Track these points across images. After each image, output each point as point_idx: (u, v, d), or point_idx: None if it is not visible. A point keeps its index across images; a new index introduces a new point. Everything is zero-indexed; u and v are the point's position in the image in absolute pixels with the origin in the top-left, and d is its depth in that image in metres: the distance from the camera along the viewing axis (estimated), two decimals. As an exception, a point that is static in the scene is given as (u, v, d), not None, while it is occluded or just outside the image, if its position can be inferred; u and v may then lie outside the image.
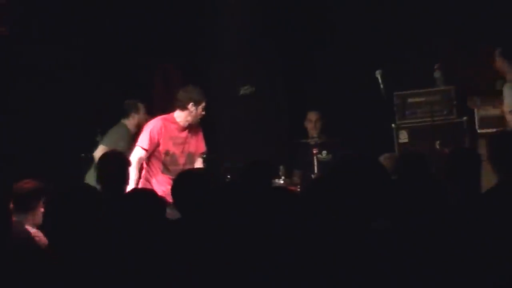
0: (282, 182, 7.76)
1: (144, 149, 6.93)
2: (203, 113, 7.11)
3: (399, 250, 3.63)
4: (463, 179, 4.80)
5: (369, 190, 3.94)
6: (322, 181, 5.06)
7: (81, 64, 8.31)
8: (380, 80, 7.48)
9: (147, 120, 7.76)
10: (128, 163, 5.86)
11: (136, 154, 6.91)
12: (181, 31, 9.07)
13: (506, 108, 6.99)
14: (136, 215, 4.04)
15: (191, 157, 7.22)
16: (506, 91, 7.00)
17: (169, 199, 6.69)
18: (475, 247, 3.78)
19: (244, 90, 8.98)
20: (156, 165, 7.04)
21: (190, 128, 7.17)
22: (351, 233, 3.69)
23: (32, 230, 5.25)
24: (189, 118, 7.08)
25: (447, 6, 8.57)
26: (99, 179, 5.66)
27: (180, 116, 7.10)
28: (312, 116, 8.56)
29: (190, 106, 7.02)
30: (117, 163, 5.71)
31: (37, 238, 5.26)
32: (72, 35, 8.25)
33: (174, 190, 4.89)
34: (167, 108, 7.64)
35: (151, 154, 7.02)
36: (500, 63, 7.09)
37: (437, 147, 7.44)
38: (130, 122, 8.08)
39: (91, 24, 8.47)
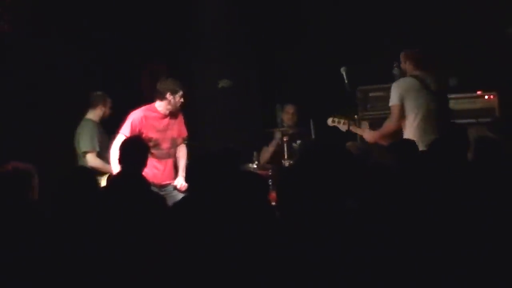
0: (255, 166, 8.06)
1: (126, 136, 7.02)
2: (182, 100, 7.34)
3: (367, 229, 3.72)
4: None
5: (335, 173, 4.14)
6: (293, 166, 5.29)
7: (75, 60, 8.35)
8: (344, 76, 7.61)
9: (110, 114, 7.98)
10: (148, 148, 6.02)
11: (119, 141, 6.92)
12: (166, 32, 9.18)
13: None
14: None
15: (174, 142, 7.44)
16: (392, 88, 7.16)
17: (157, 181, 7.07)
18: (440, 225, 3.91)
19: (223, 83, 9.19)
20: None
21: (171, 115, 7.40)
22: (321, 214, 3.76)
23: None
24: (169, 107, 7.34)
25: (405, 10, 8.93)
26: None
27: (160, 106, 7.34)
28: (290, 108, 8.79)
29: (168, 95, 7.29)
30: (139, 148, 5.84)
31: None
32: (68, 34, 8.34)
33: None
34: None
35: None
36: (402, 66, 7.24)
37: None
38: (96, 114, 7.98)
39: (84, 24, 8.55)
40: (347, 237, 3.65)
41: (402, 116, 7.00)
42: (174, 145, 7.49)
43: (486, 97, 8.54)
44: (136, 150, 5.73)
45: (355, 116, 8.36)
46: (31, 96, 8.10)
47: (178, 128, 7.53)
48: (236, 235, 3.79)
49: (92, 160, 7.69)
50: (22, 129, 7.90)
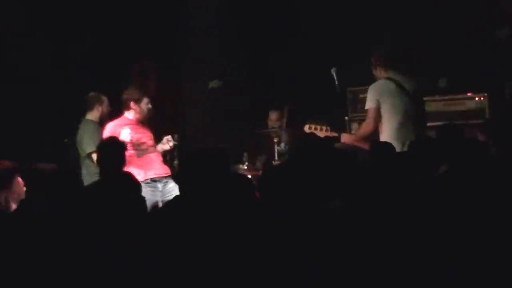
0: (245, 167, 8.05)
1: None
2: (149, 106, 7.33)
3: (353, 228, 3.74)
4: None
5: (322, 172, 4.18)
6: (281, 166, 5.29)
7: (66, 59, 8.41)
8: (335, 77, 7.57)
9: (109, 112, 7.91)
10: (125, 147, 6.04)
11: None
12: (156, 31, 9.19)
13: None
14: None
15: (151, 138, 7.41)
16: (368, 91, 7.12)
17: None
18: (427, 226, 3.89)
19: (213, 84, 9.18)
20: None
21: (142, 123, 7.36)
22: (307, 213, 3.79)
23: (14, 206, 5.27)
24: (137, 115, 7.30)
25: (396, 11, 8.95)
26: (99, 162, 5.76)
27: (130, 114, 7.31)
28: (273, 116, 8.90)
29: (132, 105, 7.27)
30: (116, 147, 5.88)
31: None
32: (58, 34, 8.36)
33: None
34: None
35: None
36: (373, 70, 7.17)
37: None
38: (94, 115, 7.93)
39: (74, 24, 8.58)
40: (333, 237, 3.67)
41: (378, 119, 6.95)
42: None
43: (477, 98, 8.56)
44: (114, 150, 5.74)
45: (346, 118, 8.37)
46: (24, 96, 8.12)
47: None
48: (226, 235, 3.78)
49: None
50: (16, 129, 7.93)
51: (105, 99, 8.01)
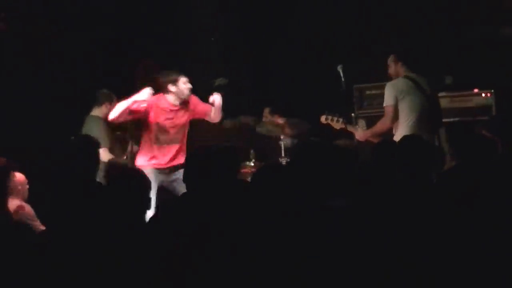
0: (252, 164, 8.10)
1: (137, 101, 7.06)
2: (188, 86, 7.18)
3: (354, 226, 3.72)
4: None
5: (324, 171, 4.15)
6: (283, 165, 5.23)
7: (70, 57, 8.35)
8: (341, 74, 7.57)
9: None
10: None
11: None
12: (160, 29, 9.19)
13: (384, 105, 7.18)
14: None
15: (182, 128, 7.30)
16: (386, 88, 7.18)
17: (159, 166, 7.05)
18: (429, 226, 3.87)
19: (219, 82, 8.92)
20: (147, 137, 7.18)
21: (183, 104, 7.23)
22: (309, 212, 3.79)
23: (19, 204, 5.49)
24: (177, 97, 7.18)
25: (402, 8, 8.90)
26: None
27: (169, 98, 7.17)
28: (266, 112, 8.88)
29: (170, 86, 7.13)
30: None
31: (25, 214, 5.51)
32: (62, 33, 8.34)
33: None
34: None
35: (144, 126, 7.17)
36: (391, 69, 7.26)
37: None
38: (102, 111, 7.94)
39: (79, 23, 8.57)
40: (335, 236, 3.66)
41: (396, 116, 6.99)
42: (181, 131, 7.33)
43: (483, 95, 8.52)
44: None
45: (352, 114, 8.35)
46: (27, 95, 8.08)
47: (192, 113, 7.37)
48: (231, 234, 3.78)
49: (105, 155, 7.61)
50: (19, 128, 7.90)
51: (115, 98, 7.99)
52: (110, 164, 7.32)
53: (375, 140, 6.87)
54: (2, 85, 7.87)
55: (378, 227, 3.75)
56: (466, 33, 8.76)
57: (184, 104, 7.26)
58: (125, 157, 7.76)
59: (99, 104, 8.00)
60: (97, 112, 8.00)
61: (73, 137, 7.96)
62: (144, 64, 9.15)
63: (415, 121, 6.92)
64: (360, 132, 7.32)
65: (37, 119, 8.10)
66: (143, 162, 7.13)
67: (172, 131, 7.21)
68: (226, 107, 9.21)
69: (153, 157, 7.16)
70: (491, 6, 8.70)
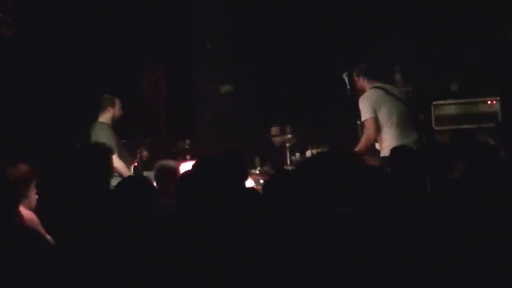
0: (257, 172, 8.01)
1: None
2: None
3: (362, 232, 3.70)
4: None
5: (330, 178, 4.17)
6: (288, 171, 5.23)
7: (77, 64, 8.35)
8: (346, 81, 7.57)
9: (121, 116, 7.91)
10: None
11: None
12: (167, 35, 9.19)
13: (362, 119, 7.19)
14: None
15: None
16: (359, 105, 7.19)
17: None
18: (439, 233, 3.86)
19: (225, 89, 9.12)
20: None
21: None
22: (315, 218, 3.79)
23: (25, 212, 5.29)
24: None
25: (406, 14, 8.88)
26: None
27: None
28: (274, 130, 8.67)
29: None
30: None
31: (29, 222, 5.26)
32: (70, 38, 8.28)
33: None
34: (154, 103, 7.90)
35: None
36: (360, 82, 7.28)
37: None
38: (106, 117, 7.92)
39: (87, 28, 8.54)
40: (341, 242, 3.65)
41: (378, 127, 7.01)
42: None
43: (489, 102, 8.48)
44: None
45: (358, 122, 8.28)
46: (32, 100, 8.04)
47: None
48: (241, 241, 3.81)
49: (117, 162, 7.54)
50: (23, 132, 7.85)
51: (117, 101, 8.00)
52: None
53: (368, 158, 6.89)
54: (9, 90, 7.85)
55: (385, 234, 3.74)
56: (472, 40, 8.70)
57: None
58: (136, 164, 7.74)
59: (103, 110, 7.96)
60: (103, 118, 7.96)
61: (79, 145, 8.11)
62: (151, 69, 9.25)
63: (397, 126, 6.95)
64: None
65: (42, 125, 8.08)
66: None
67: None
68: (232, 115, 9.32)
69: None
70: (498, 12, 8.66)
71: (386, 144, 6.84)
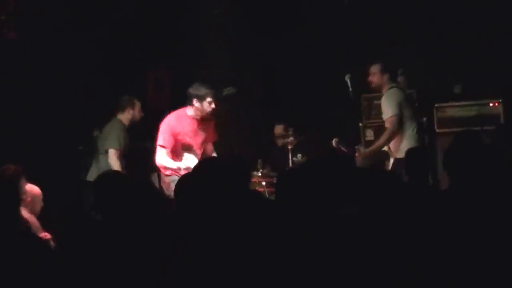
0: (259, 174, 7.96)
1: (165, 146, 7.15)
2: (212, 106, 7.19)
3: (367, 235, 3.68)
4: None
5: (337, 178, 4.15)
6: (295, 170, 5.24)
7: (81, 67, 8.36)
8: (349, 84, 7.59)
9: (141, 117, 7.96)
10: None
11: (161, 154, 7.15)
12: (170, 38, 9.20)
13: (385, 116, 7.23)
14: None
15: (204, 146, 7.41)
16: (384, 101, 7.25)
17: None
18: (439, 234, 3.80)
19: (227, 91, 9.12)
20: (174, 156, 7.19)
21: (203, 120, 7.30)
22: (322, 219, 3.75)
23: (26, 215, 5.37)
24: (198, 112, 7.21)
25: (409, 17, 8.89)
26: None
27: (190, 111, 7.22)
28: (278, 129, 8.77)
29: (195, 102, 7.15)
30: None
31: (29, 224, 5.34)
32: (73, 41, 8.30)
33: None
34: (158, 106, 7.84)
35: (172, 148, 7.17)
36: (377, 77, 7.33)
37: (333, 144, 7.41)
38: (125, 117, 7.95)
39: (90, 31, 8.54)
40: (347, 242, 3.63)
41: (401, 125, 7.03)
42: (204, 149, 7.45)
43: (491, 104, 8.46)
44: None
45: (360, 124, 8.32)
46: (35, 102, 8.07)
47: (207, 133, 7.43)
48: (245, 243, 3.77)
49: (113, 157, 7.69)
50: (26, 133, 7.87)
51: (138, 103, 8.05)
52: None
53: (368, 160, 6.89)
54: (12, 92, 7.89)
55: (392, 236, 3.71)
56: (475, 42, 8.68)
57: (204, 120, 7.32)
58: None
59: (122, 110, 8.00)
60: (120, 116, 8.00)
61: (81, 147, 8.11)
62: (155, 72, 9.30)
63: (418, 128, 7.05)
64: (363, 151, 7.28)
65: (44, 127, 8.08)
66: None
67: (197, 150, 7.29)
68: (235, 117, 9.29)
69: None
70: (501, 14, 8.67)
71: (405, 146, 6.81)
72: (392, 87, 7.24)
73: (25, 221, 5.24)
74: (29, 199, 5.63)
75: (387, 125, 7.16)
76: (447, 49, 8.77)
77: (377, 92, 8.14)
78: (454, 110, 8.39)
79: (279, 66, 9.60)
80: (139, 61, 8.97)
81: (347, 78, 7.65)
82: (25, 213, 5.39)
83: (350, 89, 7.61)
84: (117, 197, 4.11)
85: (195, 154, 7.28)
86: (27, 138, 7.82)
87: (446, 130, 8.25)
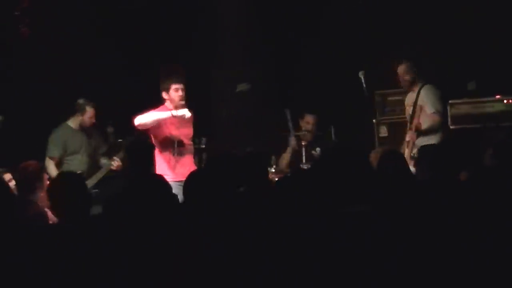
0: (273, 170, 7.91)
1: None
2: (179, 94, 7.01)
3: (376, 232, 3.62)
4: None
5: (350, 176, 3.96)
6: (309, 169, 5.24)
7: (95, 63, 8.46)
8: (362, 80, 7.64)
9: (91, 124, 7.89)
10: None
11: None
12: (184, 35, 9.22)
13: (429, 110, 7.34)
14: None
15: (190, 138, 7.24)
16: (425, 95, 7.34)
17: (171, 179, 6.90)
18: (447, 231, 3.83)
19: (241, 87, 9.09)
20: (163, 148, 7.04)
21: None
22: (333, 216, 3.70)
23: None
24: (172, 104, 7.05)
25: (423, 14, 8.83)
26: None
27: (168, 105, 7.06)
28: (310, 119, 8.61)
29: (164, 94, 7.06)
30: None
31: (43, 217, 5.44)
32: (88, 37, 8.42)
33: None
34: None
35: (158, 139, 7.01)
36: (409, 75, 7.45)
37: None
38: (73, 122, 7.92)
39: (101, 28, 8.63)
40: (358, 240, 3.58)
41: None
42: (191, 141, 7.30)
43: (505, 101, 8.39)
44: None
45: (373, 120, 8.34)
46: (48, 99, 8.19)
47: (188, 126, 7.25)
48: (255, 239, 3.77)
49: (49, 165, 7.63)
50: (36, 132, 7.97)
51: (90, 110, 7.94)
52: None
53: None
54: (26, 88, 7.87)
55: (403, 233, 3.68)
56: (489, 38, 8.61)
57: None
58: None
59: (72, 113, 7.96)
60: (70, 121, 7.96)
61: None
62: (168, 68, 9.13)
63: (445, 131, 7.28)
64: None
65: (56, 125, 8.10)
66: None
67: (186, 142, 7.15)
68: (249, 113, 9.29)
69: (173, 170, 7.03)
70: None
71: (436, 141, 6.96)
72: (427, 83, 7.33)
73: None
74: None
75: (433, 118, 7.33)
76: (461, 45, 8.71)
77: (391, 88, 8.21)
78: (468, 107, 8.30)
79: (293, 62, 9.54)
80: (153, 59, 8.89)
81: (361, 75, 7.68)
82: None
83: (364, 85, 7.63)
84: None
85: (185, 147, 7.13)
86: (37, 134, 7.90)
87: (460, 126, 8.18)
